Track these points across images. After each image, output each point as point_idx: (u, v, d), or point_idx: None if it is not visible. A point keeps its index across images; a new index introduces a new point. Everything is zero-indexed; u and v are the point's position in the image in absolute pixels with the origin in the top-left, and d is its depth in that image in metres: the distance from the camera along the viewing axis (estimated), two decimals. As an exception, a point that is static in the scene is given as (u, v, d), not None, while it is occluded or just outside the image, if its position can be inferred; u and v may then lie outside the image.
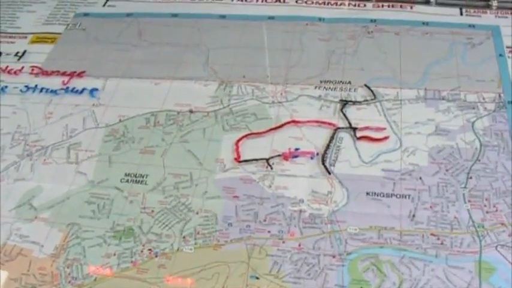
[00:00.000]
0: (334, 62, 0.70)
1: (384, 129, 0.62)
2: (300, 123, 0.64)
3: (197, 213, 0.57)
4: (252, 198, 0.57)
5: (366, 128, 0.62)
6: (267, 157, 0.60)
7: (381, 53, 0.70)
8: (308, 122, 0.64)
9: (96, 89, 0.70)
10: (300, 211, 0.56)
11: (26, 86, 0.72)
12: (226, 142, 0.63)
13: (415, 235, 0.53)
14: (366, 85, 0.67)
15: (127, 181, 0.61)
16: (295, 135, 0.62)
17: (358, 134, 0.61)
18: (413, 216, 0.54)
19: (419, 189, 0.56)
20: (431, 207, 0.55)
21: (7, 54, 0.77)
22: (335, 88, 0.67)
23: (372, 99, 0.65)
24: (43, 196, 0.61)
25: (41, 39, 0.79)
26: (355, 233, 0.54)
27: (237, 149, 0.62)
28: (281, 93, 0.67)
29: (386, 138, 0.61)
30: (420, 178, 0.57)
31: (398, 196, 0.56)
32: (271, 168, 0.60)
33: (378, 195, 0.57)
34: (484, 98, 0.63)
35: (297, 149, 0.61)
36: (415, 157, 0.59)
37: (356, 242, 0.53)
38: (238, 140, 0.62)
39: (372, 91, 0.66)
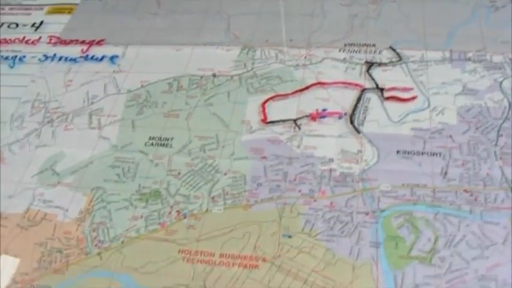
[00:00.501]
0: (358, 25, 0.69)
1: (411, 89, 0.61)
2: (326, 84, 0.62)
3: (225, 174, 0.56)
4: (280, 158, 0.56)
5: (393, 88, 0.61)
6: (294, 118, 0.58)
7: (404, 16, 0.69)
8: (334, 83, 0.62)
9: (116, 56, 0.69)
10: (330, 170, 0.55)
11: (44, 55, 0.71)
12: (252, 104, 0.62)
13: (448, 192, 0.52)
14: (390, 47, 0.65)
15: (151, 144, 0.60)
16: (321, 96, 0.61)
17: (386, 94, 0.60)
18: (445, 173, 0.53)
19: (450, 147, 0.55)
20: (462, 164, 0.53)
21: (24, 25, 0.76)
22: (359, 51, 0.66)
23: (397, 61, 0.64)
24: (66, 161, 0.60)
25: (57, 10, 0.78)
26: (387, 190, 0.53)
27: (263, 111, 0.61)
28: (305, 57, 0.66)
29: (414, 98, 0.60)
30: (450, 136, 0.56)
31: (429, 154, 0.55)
32: (299, 128, 0.58)
33: (408, 154, 0.55)
34: (510, 59, 0.61)
35: (324, 110, 0.60)
36: (444, 116, 0.58)
37: (389, 200, 0.52)
38: (264, 102, 0.61)
39: (397, 53, 0.65)
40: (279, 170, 0.55)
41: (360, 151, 0.56)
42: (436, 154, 0.55)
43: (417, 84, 0.61)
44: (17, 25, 0.76)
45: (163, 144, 0.60)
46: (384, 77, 0.62)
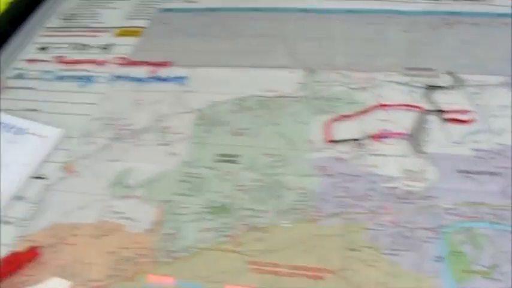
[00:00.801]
0: (417, 50, 0.70)
1: (470, 112, 0.62)
2: (387, 106, 0.64)
3: (292, 190, 0.57)
4: (344, 176, 0.57)
5: (453, 111, 0.62)
6: (357, 138, 0.60)
7: (461, 42, 0.70)
8: (395, 105, 0.64)
9: (184, 77, 0.71)
10: (394, 188, 0.56)
11: (113, 75, 0.73)
12: (316, 124, 0.63)
13: (509, 209, 0.53)
14: (450, 71, 0.67)
15: (219, 161, 0.61)
16: (383, 117, 0.63)
17: (446, 116, 0.62)
18: (506, 192, 0.54)
19: (510, 166, 0.56)
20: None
21: (93, 47, 0.78)
22: (419, 74, 0.67)
23: (456, 85, 0.65)
24: (136, 176, 0.62)
25: (125, 32, 0.80)
26: (449, 207, 0.54)
27: (327, 130, 0.62)
28: (366, 80, 0.67)
29: (473, 120, 0.61)
30: (509, 157, 0.57)
31: (489, 173, 0.56)
32: (362, 148, 0.59)
33: (469, 173, 0.57)
34: None
35: (386, 130, 0.61)
36: (503, 137, 0.59)
37: (451, 216, 0.53)
38: (328, 122, 0.62)
39: (456, 77, 0.66)
40: (343, 187, 0.56)
41: (422, 170, 0.57)
42: (496, 174, 0.56)
43: (476, 107, 0.62)
44: (88, 46, 0.79)
45: (231, 160, 0.61)
46: (444, 99, 0.64)
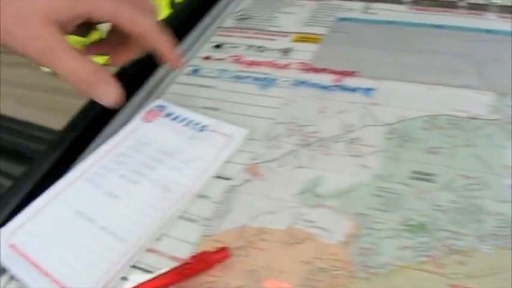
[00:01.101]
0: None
1: None
2: None
3: (491, 215, 0.55)
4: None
5: None
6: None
7: None
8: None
9: (371, 89, 0.70)
10: None
11: (296, 80, 0.72)
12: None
13: None
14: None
15: (414, 178, 0.59)
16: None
17: None
18: None
19: None
20: None
21: (271, 50, 0.78)
22: None
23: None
24: (326, 185, 0.60)
25: (303, 38, 0.79)
26: None
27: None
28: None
29: None
30: None
31: None
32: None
33: None
34: None
35: None
36: None
37: None
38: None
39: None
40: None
41: None
42: None
43: None
44: (265, 48, 0.78)
45: (426, 179, 0.59)
46: None
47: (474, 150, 0.61)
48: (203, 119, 0.67)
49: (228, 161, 0.64)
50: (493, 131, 0.63)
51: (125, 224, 0.54)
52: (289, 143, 0.65)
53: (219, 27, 0.86)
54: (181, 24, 0.83)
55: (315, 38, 0.80)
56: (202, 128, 0.66)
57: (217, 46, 0.82)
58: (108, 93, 0.55)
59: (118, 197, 0.56)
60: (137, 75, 0.73)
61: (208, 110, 0.72)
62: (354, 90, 0.70)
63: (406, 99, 0.68)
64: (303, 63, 0.75)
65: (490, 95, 0.67)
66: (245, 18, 0.87)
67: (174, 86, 0.74)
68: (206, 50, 0.82)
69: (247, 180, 0.63)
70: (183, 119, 0.67)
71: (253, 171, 0.63)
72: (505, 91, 0.66)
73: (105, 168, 0.60)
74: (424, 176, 0.60)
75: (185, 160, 0.61)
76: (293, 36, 0.81)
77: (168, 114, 0.67)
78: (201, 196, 0.61)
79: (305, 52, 0.77)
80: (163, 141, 0.63)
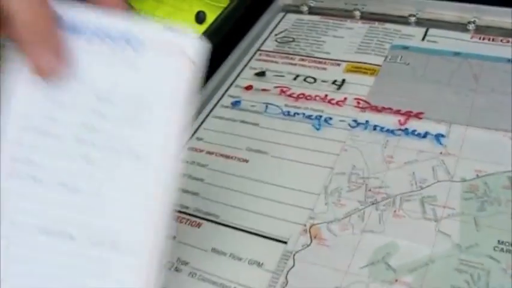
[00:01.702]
0: None
1: None
2: None
3: None
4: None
5: None
6: None
7: None
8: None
9: (442, 135, 0.62)
10: None
11: (354, 121, 0.65)
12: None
13: None
14: None
15: (502, 250, 0.52)
16: None
17: None
18: None
19: None
20: None
21: (323, 81, 0.71)
22: None
23: None
24: (400, 255, 0.53)
25: (357, 68, 0.72)
26: None
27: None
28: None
29: None
30: None
31: None
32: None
33: None
34: None
35: None
36: None
37: None
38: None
39: None
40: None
41: None
42: None
43: None
44: (315, 80, 0.71)
45: (516, 252, 0.47)
46: None
47: None
48: (129, 26, 0.39)
49: (282, 219, 0.58)
50: None
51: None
52: (353, 200, 0.58)
53: (259, 50, 0.78)
54: (217, 46, 0.69)
55: (370, 69, 0.73)
56: (138, 46, 0.39)
57: (260, 74, 0.74)
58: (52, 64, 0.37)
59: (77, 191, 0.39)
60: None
61: (253, 152, 0.65)
62: (422, 135, 0.64)
63: (482, 149, 0.61)
64: (359, 99, 0.68)
65: None
66: (288, 42, 0.79)
67: (210, 120, 0.69)
68: (246, 77, 0.74)
69: (306, 245, 0.55)
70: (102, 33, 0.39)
71: (313, 233, 0.56)
72: None
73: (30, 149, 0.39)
74: (512, 248, 0.47)
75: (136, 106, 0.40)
76: (345, 65, 0.73)
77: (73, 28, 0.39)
78: (253, 262, 0.54)
79: (361, 86, 0.70)
80: (92, 82, 0.39)
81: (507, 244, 0.52)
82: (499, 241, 0.52)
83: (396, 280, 0.51)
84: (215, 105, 0.68)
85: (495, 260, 0.51)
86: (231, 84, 0.73)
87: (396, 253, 0.53)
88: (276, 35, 0.80)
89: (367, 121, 0.65)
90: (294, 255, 0.54)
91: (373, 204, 0.57)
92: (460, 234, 0.53)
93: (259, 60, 0.77)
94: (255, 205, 0.59)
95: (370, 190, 0.58)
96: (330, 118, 0.66)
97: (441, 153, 0.61)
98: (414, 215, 0.56)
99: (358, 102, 0.67)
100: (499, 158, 0.59)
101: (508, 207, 0.54)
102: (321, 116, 0.67)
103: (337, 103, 0.68)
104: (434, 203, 0.56)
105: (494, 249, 0.52)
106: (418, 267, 0.51)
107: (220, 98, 0.69)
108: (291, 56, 0.76)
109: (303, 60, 0.76)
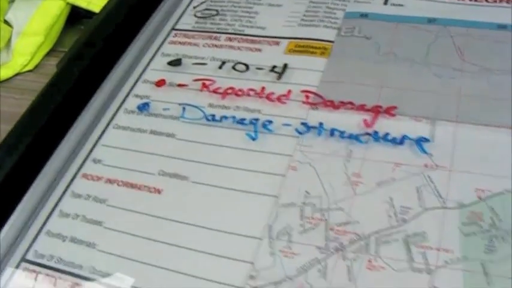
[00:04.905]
0: None
1: None
2: None
3: None
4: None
5: None
6: None
7: None
8: None
9: (425, 139, 0.45)
10: None
11: (303, 124, 0.47)
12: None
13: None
14: None
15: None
16: None
17: None
18: None
19: None
20: None
21: (257, 69, 0.52)
22: None
23: None
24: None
25: (303, 48, 0.53)
26: None
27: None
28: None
29: None
30: None
31: None
32: None
33: None
34: None
35: None
36: None
37: None
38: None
39: None
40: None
41: None
42: None
43: None
44: (247, 67, 0.52)
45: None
46: None
47: None
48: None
49: (210, 280, 0.41)
50: None
51: None
52: (309, 245, 0.41)
53: (174, 30, 0.59)
54: (119, 28, 0.57)
55: (319, 48, 0.54)
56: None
57: (174, 63, 0.55)
58: None
59: None
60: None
61: (169, 177, 0.48)
62: (397, 141, 0.46)
63: (483, 156, 0.43)
64: (307, 91, 0.50)
65: None
66: (210, 16, 0.61)
67: (110, 131, 0.51)
68: (157, 68, 0.56)
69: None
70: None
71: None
72: None
73: None
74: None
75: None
76: (287, 44, 0.55)
77: None
78: None
79: (309, 72, 0.52)
80: None
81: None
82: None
83: None
84: (117, 110, 0.52)
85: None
86: (137, 80, 0.55)
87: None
88: (194, 7, 0.61)
89: (321, 123, 0.47)
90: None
91: (338, 251, 0.41)
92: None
93: (174, 43, 0.59)
94: (171, 259, 0.42)
95: (332, 229, 0.41)
96: (270, 122, 0.49)
97: (426, 165, 0.44)
98: (398, 266, 0.39)
99: (307, 96, 0.49)
100: (506, 169, 0.42)
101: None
102: (257, 120, 0.49)
103: (278, 99, 0.50)
104: (423, 243, 0.40)
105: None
106: None
107: (123, 100, 0.53)
108: (215, 34, 0.58)
109: (230, 40, 0.57)
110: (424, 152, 0.45)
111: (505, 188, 0.41)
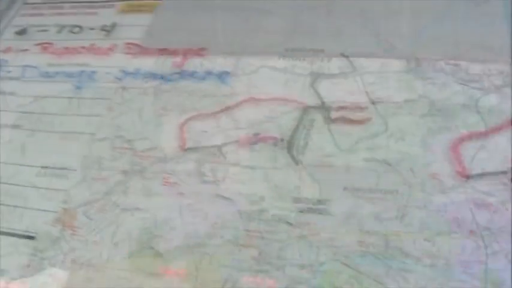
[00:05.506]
0: (303, 25, 0.52)
1: (365, 108, 0.45)
2: (260, 101, 0.48)
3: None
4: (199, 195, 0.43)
5: (343, 107, 0.46)
6: (219, 143, 0.45)
7: (360, 14, 0.52)
8: (270, 99, 0.48)
9: (227, 72, 0.50)
10: (261, 211, 0.41)
11: (122, 71, 0.52)
12: (167, 126, 0.47)
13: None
14: (342, 54, 0.49)
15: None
16: (254, 116, 0.47)
17: (333, 114, 0.46)
18: (403, 216, 0.39)
19: (411, 183, 0.40)
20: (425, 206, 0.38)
21: (90, 29, 0.57)
22: (304, 58, 0.50)
23: (350, 72, 0.48)
24: (171, 236, 0.42)
25: (133, 7, 0.59)
26: (329, 237, 0.39)
27: (182, 134, 0.46)
28: (235, 65, 0.51)
29: (368, 119, 0.45)
30: (411, 169, 0.41)
31: (383, 192, 0.41)
32: (224, 157, 0.44)
33: (358, 191, 0.42)
34: (489, 70, 0.45)
35: (256, 134, 0.46)
36: (405, 143, 0.43)
37: (331, 249, 0.39)
38: (183, 124, 0.46)
39: (349, 61, 0.49)
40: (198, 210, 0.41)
41: (297, 187, 0.42)
42: (393, 192, 0.41)
43: (373, 102, 0.46)
44: (81, 28, 0.58)
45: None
46: (333, 92, 0.47)
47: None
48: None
49: (30, 208, 0.46)
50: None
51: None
52: (116, 171, 0.46)
53: (26, 4, 0.64)
54: None
55: (149, 6, 0.59)
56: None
57: (21, 32, 0.60)
58: None
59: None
60: None
61: (10, 128, 0.51)
62: (203, 77, 0.51)
63: (266, 80, 0.50)
64: (132, 43, 0.55)
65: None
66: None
67: None
68: (7, 38, 0.60)
69: (56, 239, 0.43)
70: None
71: (66, 222, 0.44)
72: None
73: None
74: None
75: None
76: (120, 6, 0.60)
77: None
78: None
79: (135, 27, 0.57)
80: None
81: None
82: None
83: (166, 270, 0.40)
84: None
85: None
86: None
87: (166, 234, 0.42)
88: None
89: (137, 69, 0.52)
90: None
91: (140, 172, 0.45)
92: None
93: (24, 15, 0.63)
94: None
95: (137, 155, 0.46)
96: (94, 72, 0.53)
97: (224, 95, 0.49)
98: (190, 180, 0.44)
99: (130, 48, 0.54)
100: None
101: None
102: (83, 71, 0.53)
103: (104, 52, 0.54)
104: (213, 160, 0.45)
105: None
106: (194, 246, 0.41)
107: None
108: (60, 4, 0.62)
109: (73, 8, 0.62)
110: (224, 83, 0.49)
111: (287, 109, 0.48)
